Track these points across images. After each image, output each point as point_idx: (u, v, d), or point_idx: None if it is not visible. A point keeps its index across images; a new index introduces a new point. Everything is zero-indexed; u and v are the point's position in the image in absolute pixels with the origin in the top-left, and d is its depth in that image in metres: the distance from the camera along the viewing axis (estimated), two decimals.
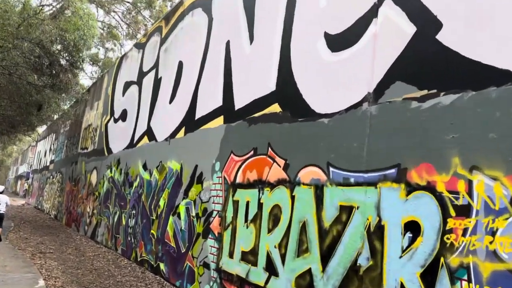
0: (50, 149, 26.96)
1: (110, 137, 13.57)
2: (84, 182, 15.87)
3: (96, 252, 10.73)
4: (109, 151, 13.26)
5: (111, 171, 12.61)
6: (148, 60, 11.15)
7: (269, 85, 5.67)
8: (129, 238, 9.92)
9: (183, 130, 8.19)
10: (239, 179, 5.96)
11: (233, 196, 6.01)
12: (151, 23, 22.59)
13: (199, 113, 7.67)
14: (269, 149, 5.41)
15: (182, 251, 7.24)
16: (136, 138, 10.94)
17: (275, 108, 5.47)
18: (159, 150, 9.18)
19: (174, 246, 7.56)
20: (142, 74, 11.45)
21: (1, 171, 65.26)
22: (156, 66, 10.46)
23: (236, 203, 5.91)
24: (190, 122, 7.93)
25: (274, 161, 5.25)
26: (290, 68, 5.32)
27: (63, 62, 11.07)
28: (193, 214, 7.09)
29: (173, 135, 8.61)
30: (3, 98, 11.94)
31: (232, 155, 6.27)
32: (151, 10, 21.21)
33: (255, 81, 6.09)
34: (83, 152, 17.02)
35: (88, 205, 14.65)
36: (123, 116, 12.52)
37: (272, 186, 5.18)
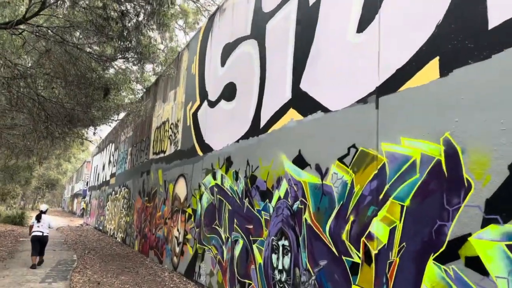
0: (110, 162, 23.72)
1: (204, 129, 9.45)
2: (164, 196, 11.89)
3: None
4: (206, 148, 9.12)
5: (214, 177, 8.42)
6: None
7: None
8: None
9: (434, 68, 3.73)
10: None
11: None
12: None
13: None
14: None
15: None
16: (264, 119, 6.67)
17: None
18: (341, 125, 4.80)
19: None
20: (262, 19, 7.20)
21: (56, 190, 64.57)
22: None
23: None
24: (475, 39, 3.46)
25: None
26: None
27: (141, 12, 7.07)
28: None
29: (391, 86, 4.18)
30: (55, 78, 8.13)
31: None
32: None
33: None
34: (157, 158, 13.12)
35: (174, 227, 10.59)
36: (228, 93, 8.34)
37: None
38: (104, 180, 25.02)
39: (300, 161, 5.52)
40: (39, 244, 9.85)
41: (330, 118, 5.02)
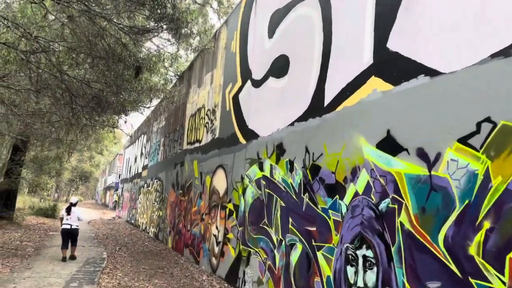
0: (142, 154, 22.99)
1: (247, 113, 8.19)
2: (200, 189, 10.77)
3: None
4: (250, 135, 7.87)
5: (261, 168, 7.16)
6: None
7: None
8: None
9: None
10: None
11: None
12: None
13: None
14: None
15: None
16: (331, 94, 5.31)
17: None
18: (462, 92, 3.41)
19: None
20: None
21: (90, 183, 65.56)
22: None
23: None
24: None
25: None
26: None
27: None
28: None
29: None
30: (80, 53, 7.06)
31: None
32: None
33: None
34: (192, 148, 12.01)
35: (213, 224, 9.44)
36: (278, 68, 7.03)
37: None
38: (136, 172, 24.38)
39: (389, 145, 4.14)
40: (69, 237, 9.67)
41: (442, 83, 3.61)
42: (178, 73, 13.90)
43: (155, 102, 14.69)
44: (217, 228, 9.09)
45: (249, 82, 8.30)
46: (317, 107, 5.62)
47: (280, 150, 6.59)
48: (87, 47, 7.21)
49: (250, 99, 8.15)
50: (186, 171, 12.42)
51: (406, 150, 3.90)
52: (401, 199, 3.88)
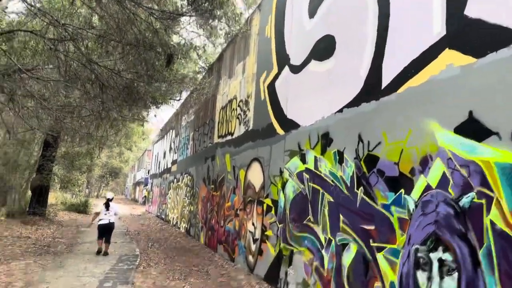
0: (170, 148, 22.81)
1: (284, 101, 7.61)
2: (233, 184, 10.29)
3: None
4: (289, 125, 7.29)
5: (303, 161, 6.58)
6: None
7: None
8: None
9: None
10: None
11: None
12: None
13: None
14: None
15: None
16: (390, 74, 4.66)
17: None
18: None
19: None
20: None
21: (119, 179, 66.68)
22: None
23: None
24: None
25: None
26: None
27: None
28: None
29: None
30: (110, 41, 6.65)
31: None
32: None
33: None
34: (224, 141, 11.54)
35: (248, 220, 8.94)
36: (322, 50, 6.41)
37: None
38: (165, 167, 24.26)
39: (472, 129, 3.48)
40: (106, 230, 9.87)
41: None
42: (207, 65, 13.46)
43: (184, 95, 14.35)
44: (253, 224, 8.59)
45: (286, 68, 7.72)
46: (372, 89, 4.99)
47: (326, 140, 5.99)
48: (117, 34, 6.80)
49: (288, 86, 7.57)
50: (217, 165, 11.98)
51: (497, 134, 3.24)
52: (490, 193, 3.23)
